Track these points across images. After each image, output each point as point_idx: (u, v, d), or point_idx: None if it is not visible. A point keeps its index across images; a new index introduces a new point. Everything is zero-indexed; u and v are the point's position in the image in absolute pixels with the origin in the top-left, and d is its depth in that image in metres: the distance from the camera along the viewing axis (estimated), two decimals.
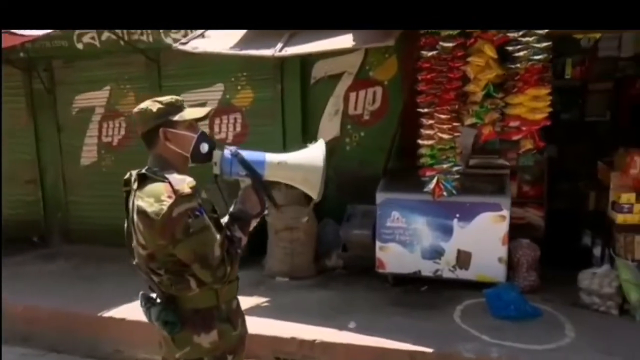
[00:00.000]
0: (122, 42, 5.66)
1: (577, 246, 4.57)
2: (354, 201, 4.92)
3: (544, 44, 3.80)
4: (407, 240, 4.31)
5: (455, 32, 3.99)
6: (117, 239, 6.84)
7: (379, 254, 4.40)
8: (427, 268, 4.27)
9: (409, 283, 4.39)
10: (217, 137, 5.89)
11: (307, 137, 5.43)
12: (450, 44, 4.00)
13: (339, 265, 4.84)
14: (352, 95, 5.32)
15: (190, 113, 1.86)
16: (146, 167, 1.80)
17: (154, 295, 1.89)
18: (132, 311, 4.10)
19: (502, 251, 4.04)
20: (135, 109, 1.85)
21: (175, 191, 1.65)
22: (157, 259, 1.73)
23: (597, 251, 4.27)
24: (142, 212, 1.67)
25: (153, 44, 5.70)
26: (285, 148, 4.96)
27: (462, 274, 4.17)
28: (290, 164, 1.88)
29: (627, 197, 3.83)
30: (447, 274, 4.21)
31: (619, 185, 3.98)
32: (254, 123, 5.58)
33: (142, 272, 1.83)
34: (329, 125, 5.42)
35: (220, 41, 4.54)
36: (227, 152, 1.84)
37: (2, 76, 6.15)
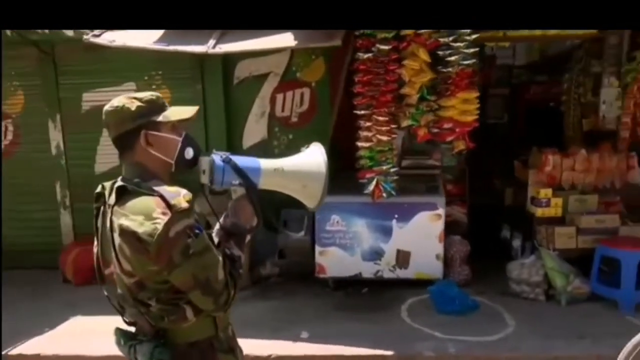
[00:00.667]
0: (9, 33, 4.88)
1: (496, 239, 4.92)
2: (287, 206, 4.78)
3: (472, 50, 4.03)
4: (347, 243, 4.28)
5: (390, 34, 4.07)
6: (8, 261, 5.87)
7: (318, 258, 4.32)
8: (367, 270, 4.28)
9: (349, 286, 4.37)
10: None
11: (232, 139, 5.18)
12: (386, 47, 4.06)
13: (274, 274, 4.66)
14: (279, 96, 5.17)
15: (175, 113, 1.61)
16: (121, 178, 1.52)
17: (133, 329, 1.60)
18: (47, 344, 3.54)
19: (439, 248, 4.19)
20: (108, 108, 1.55)
21: (170, 206, 1.39)
22: (148, 287, 1.46)
23: (515, 243, 4.64)
24: (128, 233, 1.40)
25: (48, 35, 5.00)
26: (208, 152, 4.68)
27: (402, 273, 4.25)
28: (287, 171, 1.70)
29: (544, 193, 4.20)
30: (387, 274, 4.26)
31: (535, 182, 4.34)
32: None
33: (127, 304, 1.54)
34: (256, 127, 5.21)
35: (138, 35, 4.12)
36: (218, 157, 1.62)
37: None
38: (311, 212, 4.31)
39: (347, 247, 4.28)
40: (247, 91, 5.18)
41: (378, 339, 3.37)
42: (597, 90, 4.77)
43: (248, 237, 1.69)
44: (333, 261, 4.30)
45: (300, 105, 5.19)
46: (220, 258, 1.47)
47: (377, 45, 4.08)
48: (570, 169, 4.29)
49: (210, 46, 3.89)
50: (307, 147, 1.81)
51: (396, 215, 4.21)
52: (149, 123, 1.54)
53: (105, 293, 1.62)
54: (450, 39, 4.01)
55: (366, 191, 4.13)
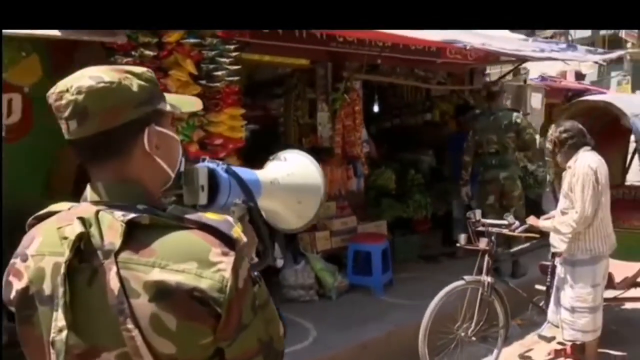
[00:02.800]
0: None
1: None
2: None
3: (235, 67, 4.08)
4: None
5: (153, 39, 3.66)
6: None
7: None
8: None
9: None
10: None
11: None
12: (151, 52, 3.63)
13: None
14: None
15: (180, 101, 1.12)
16: (107, 204, 0.94)
17: None
18: None
19: None
20: (91, 84, 0.92)
21: (231, 241, 0.92)
22: None
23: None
24: (179, 294, 0.87)
25: None
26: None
27: None
28: (283, 184, 1.37)
29: None
30: None
31: None
32: None
33: None
34: None
35: None
36: (218, 167, 1.21)
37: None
38: None
39: None
40: None
41: None
42: (314, 113, 5.60)
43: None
44: None
45: (8, 116, 3.93)
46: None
47: (141, 49, 3.59)
48: None
49: None
50: (275, 156, 1.50)
51: None
52: (155, 114, 1.00)
53: None
54: (213, 53, 3.95)
55: None
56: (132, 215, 0.89)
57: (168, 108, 1.03)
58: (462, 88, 6.68)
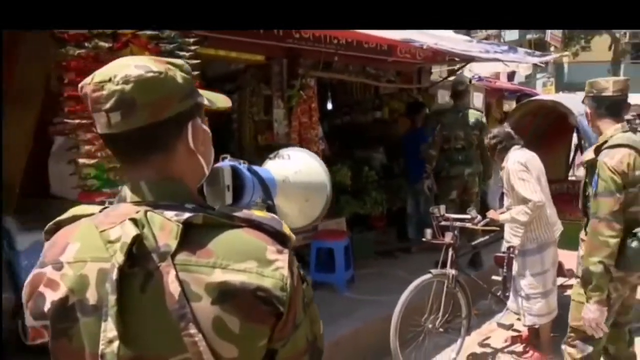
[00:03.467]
0: None
1: None
2: None
3: (195, 62, 3.92)
4: None
5: (109, 31, 3.46)
6: None
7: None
8: None
9: None
10: None
11: None
12: (106, 44, 3.42)
13: None
14: None
15: (214, 96, 1.07)
16: (151, 204, 0.89)
17: None
18: None
19: None
20: (138, 73, 0.87)
21: (282, 239, 0.90)
22: None
23: None
24: (244, 294, 0.83)
25: None
26: None
27: None
28: (293, 182, 1.39)
29: None
30: None
31: None
32: None
33: None
34: None
35: None
36: (241, 166, 1.21)
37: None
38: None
39: None
40: None
41: None
42: (269, 110, 5.52)
43: None
44: None
45: None
46: None
47: (95, 41, 3.38)
48: None
49: None
50: (276, 154, 1.47)
51: None
52: (198, 107, 0.96)
53: None
54: (172, 46, 3.80)
55: None
56: (187, 215, 0.85)
57: (206, 102, 0.98)
58: (411, 87, 6.86)
